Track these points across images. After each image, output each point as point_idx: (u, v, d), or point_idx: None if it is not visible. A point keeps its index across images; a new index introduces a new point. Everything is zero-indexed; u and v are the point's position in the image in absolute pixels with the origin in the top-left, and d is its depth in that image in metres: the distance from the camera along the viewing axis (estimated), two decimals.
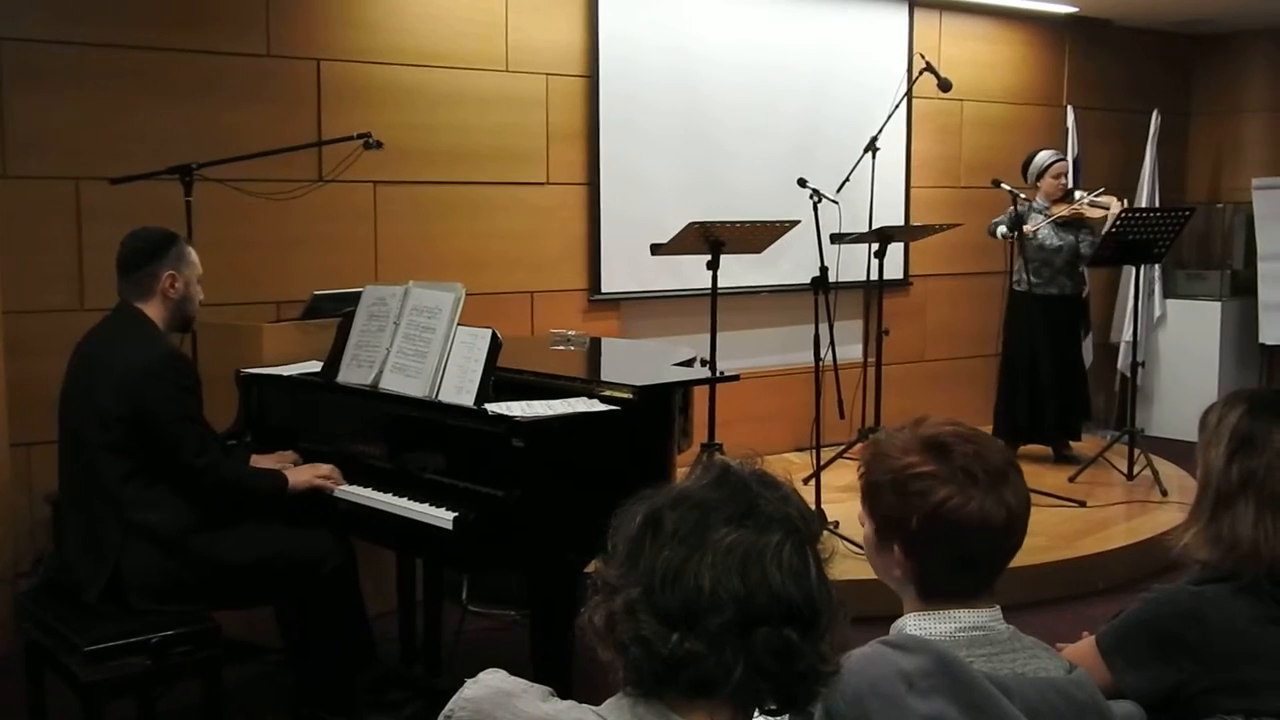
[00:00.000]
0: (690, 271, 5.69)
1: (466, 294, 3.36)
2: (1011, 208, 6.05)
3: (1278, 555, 1.99)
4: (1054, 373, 6.36)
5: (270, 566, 3.27)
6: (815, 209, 5.11)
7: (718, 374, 4.02)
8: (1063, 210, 6.24)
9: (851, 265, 5.82)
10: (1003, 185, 5.95)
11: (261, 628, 3.82)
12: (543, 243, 5.81)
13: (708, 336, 5.06)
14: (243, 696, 3.78)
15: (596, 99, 5.88)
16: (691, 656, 1.29)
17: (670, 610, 1.30)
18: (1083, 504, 5.66)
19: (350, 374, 3.53)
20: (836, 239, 5.46)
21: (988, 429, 5.71)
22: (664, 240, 5.01)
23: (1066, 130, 7.72)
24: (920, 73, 6.23)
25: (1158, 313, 8.09)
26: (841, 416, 5.24)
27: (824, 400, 5.18)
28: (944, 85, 6.07)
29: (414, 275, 3.93)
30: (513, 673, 1.41)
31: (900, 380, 6.83)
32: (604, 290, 6.01)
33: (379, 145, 4.43)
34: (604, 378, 3.50)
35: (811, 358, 5.02)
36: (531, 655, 3.07)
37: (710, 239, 4.93)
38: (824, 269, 4.99)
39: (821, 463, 5.28)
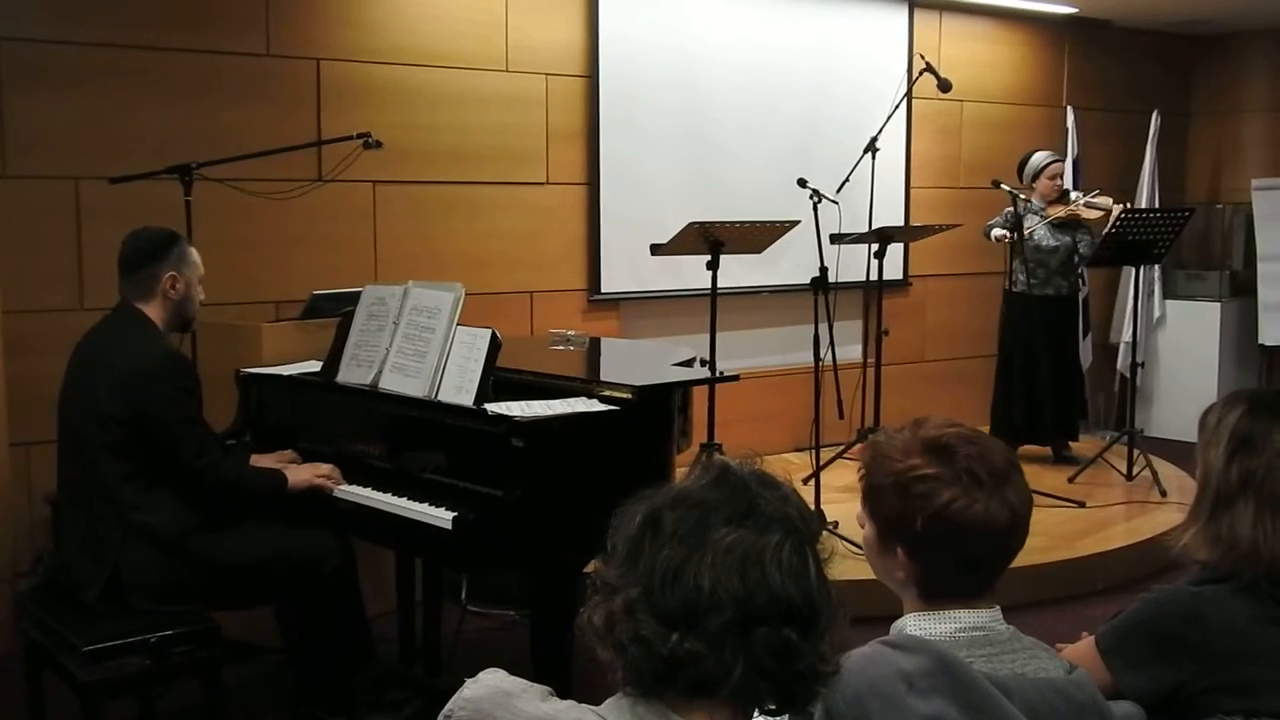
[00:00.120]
0: (690, 271, 5.69)
1: (466, 294, 3.36)
2: (1010, 208, 6.05)
3: (1277, 555, 1.99)
4: (1050, 374, 6.36)
5: (270, 567, 3.27)
6: (815, 209, 5.12)
7: (717, 374, 4.01)
8: (1059, 211, 6.24)
9: (851, 265, 5.82)
10: (1002, 185, 5.95)
11: (261, 628, 3.81)
12: (542, 243, 5.81)
13: (707, 336, 5.06)
14: (243, 696, 3.78)
15: (596, 99, 5.88)
16: (691, 656, 1.29)
17: (670, 610, 1.30)
18: (1082, 504, 5.66)
19: (350, 374, 3.53)
20: (836, 239, 5.46)
21: (986, 429, 5.73)
22: (664, 240, 5.01)
23: (1066, 131, 7.72)
24: (920, 73, 6.24)
25: (1157, 313, 8.09)
26: (841, 417, 5.24)
27: (823, 400, 5.18)
28: (944, 86, 6.07)
29: (413, 275, 3.93)
30: (512, 673, 1.41)
31: (900, 380, 6.83)
32: (604, 290, 6.01)
33: (378, 145, 4.43)
34: (603, 378, 3.50)
35: (811, 358, 5.02)
36: (531, 655, 3.07)
37: (710, 239, 4.93)
38: (824, 269, 4.99)
39: (821, 463, 5.29)
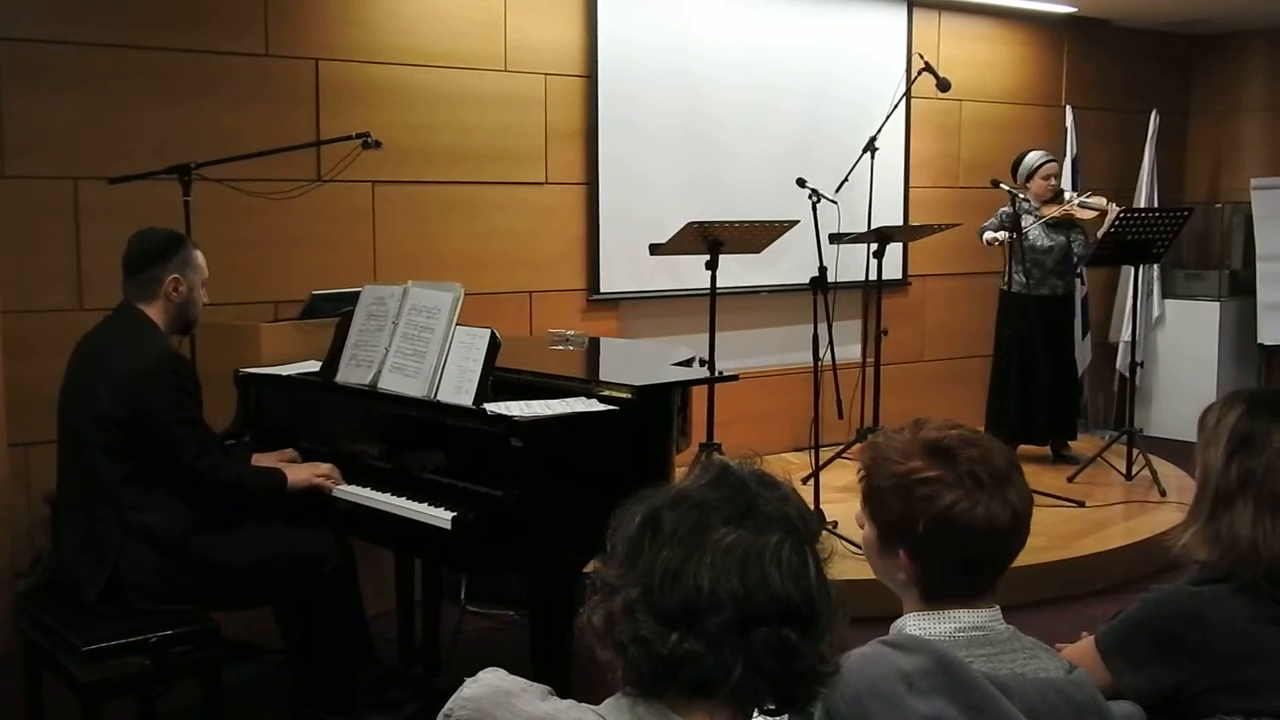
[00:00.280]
0: (689, 271, 5.69)
1: (465, 294, 3.36)
2: (1005, 208, 6.05)
3: (1276, 555, 1.99)
4: (1046, 373, 6.36)
5: (270, 568, 3.27)
6: (814, 209, 5.12)
7: (716, 374, 4.02)
8: (1053, 211, 6.24)
9: (850, 265, 5.82)
10: (1001, 185, 5.95)
11: (261, 628, 3.81)
12: (542, 242, 5.81)
13: (706, 336, 5.06)
14: (242, 696, 3.78)
15: (595, 99, 5.88)
16: (690, 656, 1.29)
17: (669, 610, 1.30)
18: (1081, 504, 5.66)
19: (349, 374, 3.53)
20: (835, 239, 5.46)
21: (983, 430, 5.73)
22: (663, 240, 5.01)
23: (1065, 130, 7.72)
24: (919, 73, 6.24)
25: (1156, 313, 8.09)
26: (840, 416, 5.25)
27: (823, 400, 5.18)
28: (943, 85, 6.08)
29: (413, 275, 3.93)
30: (512, 673, 1.41)
31: (899, 380, 6.83)
32: (603, 290, 6.01)
33: (378, 145, 4.43)
34: (603, 377, 3.50)
35: (810, 358, 5.02)
36: (531, 655, 3.07)
37: (709, 239, 4.93)
38: (823, 269, 4.99)
39: (820, 463, 5.29)
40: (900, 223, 6.88)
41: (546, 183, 5.81)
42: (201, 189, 4.23)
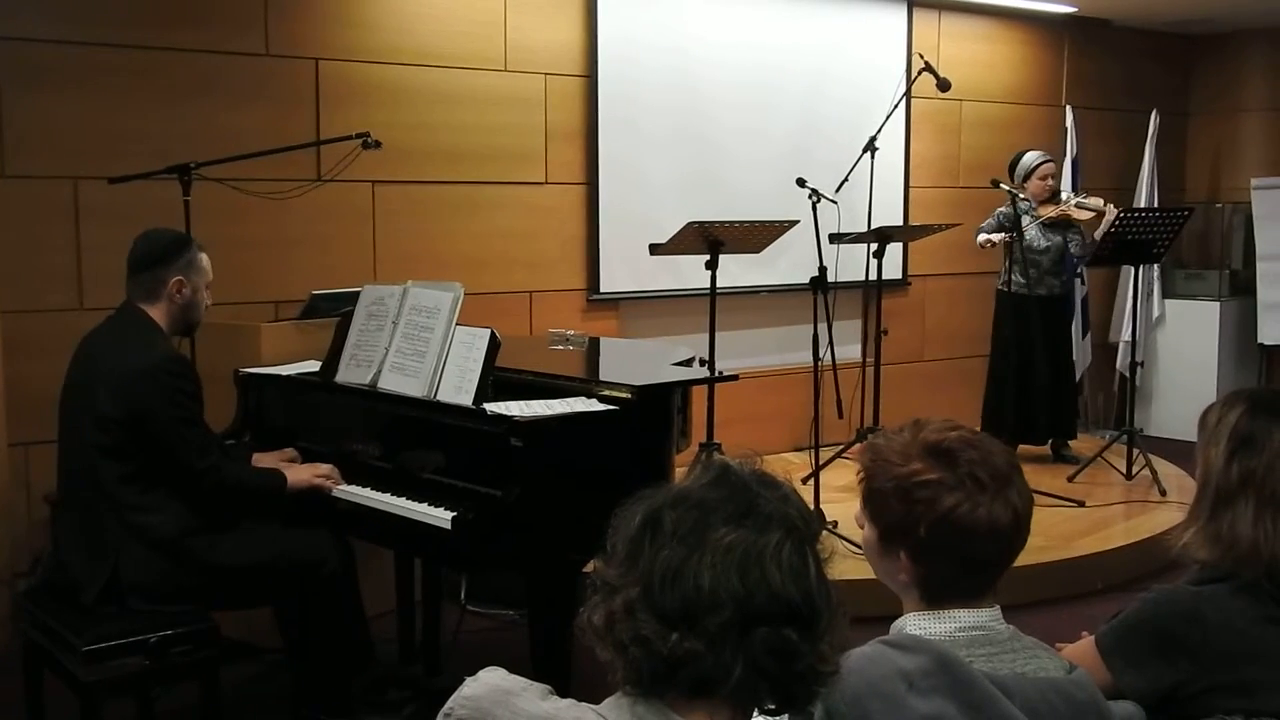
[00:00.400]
0: (689, 271, 5.69)
1: (465, 294, 3.36)
2: (1003, 208, 6.05)
3: (1277, 555, 1.99)
4: (1044, 373, 6.36)
5: (270, 569, 3.27)
6: (814, 209, 5.12)
7: (716, 374, 4.01)
8: (1050, 211, 6.24)
9: (850, 265, 5.82)
10: (1001, 185, 5.95)
11: (261, 628, 3.82)
12: (541, 242, 5.81)
13: (706, 336, 5.06)
14: (242, 697, 3.78)
15: (595, 99, 5.88)
16: (691, 656, 1.29)
17: (669, 610, 1.30)
18: (1082, 504, 5.66)
19: (349, 374, 3.53)
20: (835, 239, 5.46)
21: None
22: (663, 240, 5.01)
23: (1065, 130, 7.72)
24: (919, 72, 6.24)
25: (1156, 313, 8.09)
26: (840, 416, 5.24)
27: (823, 400, 5.18)
28: (943, 85, 6.08)
29: (413, 275, 3.93)
30: (512, 673, 1.41)
31: (899, 380, 6.83)
32: (603, 290, 6.01)
33: (377, 145, 4.42)
34: (603, 377, 3.50)
35: (810, 357, 5.02)
36: (531, 655, 3.07)
37: (709, 239, 4.93)
38: (823, 269, 4.99)
39: (820, 462, 5.29)
40: (900, 223, 6.88)
41: (546, 183, 5.81)
42: (201, 189, 4.23)
